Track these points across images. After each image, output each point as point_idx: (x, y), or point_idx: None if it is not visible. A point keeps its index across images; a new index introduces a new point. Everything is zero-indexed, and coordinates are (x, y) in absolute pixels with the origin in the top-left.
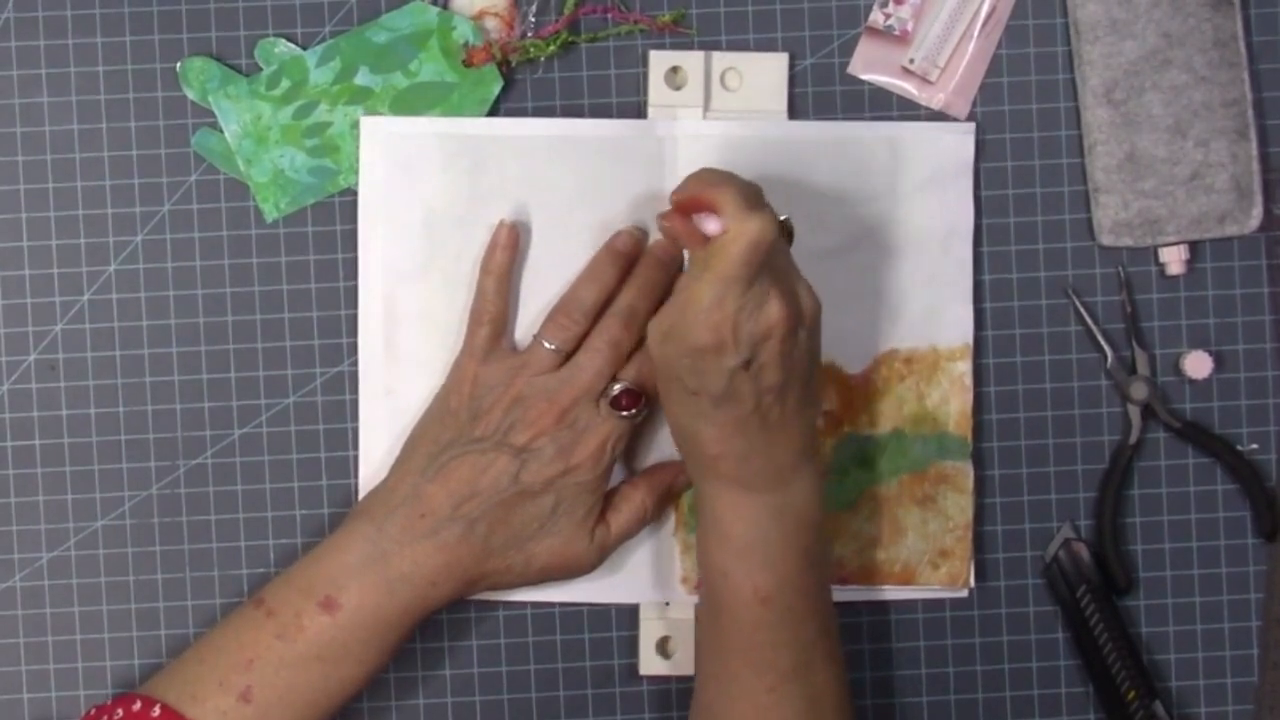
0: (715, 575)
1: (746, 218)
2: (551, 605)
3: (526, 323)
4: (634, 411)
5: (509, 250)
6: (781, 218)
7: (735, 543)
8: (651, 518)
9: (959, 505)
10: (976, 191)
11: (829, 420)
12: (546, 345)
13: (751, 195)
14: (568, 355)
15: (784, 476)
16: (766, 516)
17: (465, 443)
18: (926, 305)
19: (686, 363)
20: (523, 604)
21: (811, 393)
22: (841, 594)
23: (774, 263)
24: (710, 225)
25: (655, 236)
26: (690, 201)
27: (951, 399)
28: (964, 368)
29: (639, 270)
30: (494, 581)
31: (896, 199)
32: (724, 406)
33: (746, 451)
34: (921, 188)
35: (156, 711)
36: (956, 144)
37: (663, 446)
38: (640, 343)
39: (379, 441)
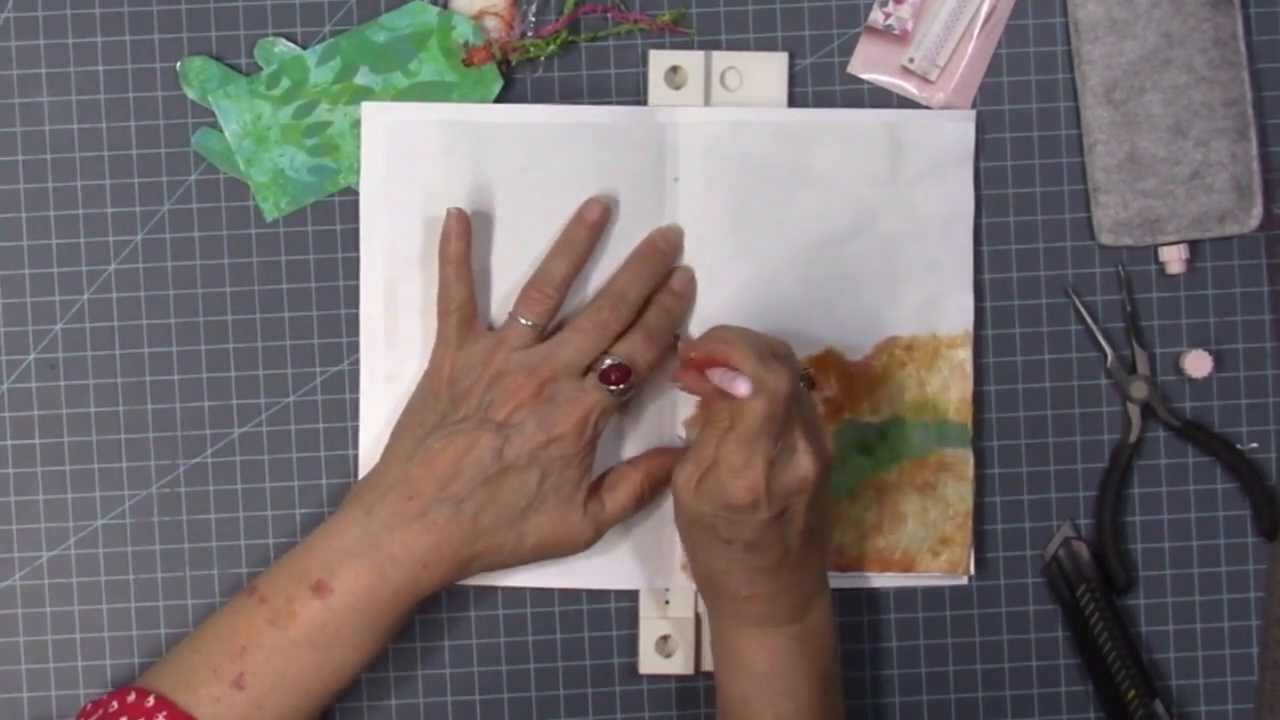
0: (735, 702)
1: (764, 374)
2: (552, 604)
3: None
4: (622, 387)
5: (463, 237)
6: (805, 368)
7: (756, 672)
8: (648, 500)
9: (959, 493)
10: (976, 180)
11: (829, 406)
12: (522, 321)
13: (766, 351)
14: (543, 329)
15: (804, 606)
16: (787, 646)
17: (449, 424)
18: (927, 292)
19: (722, 515)
20: (523, 602)
21: (829, 524)
22: (841, 580)
23: (800, 413)
24: (740, 386)
25: (629, 210)
26: (706, 359)
27: (952, 386)
28: (964, 355)
29: (635, 258)
30: (487, 562)
31: (897, 186)
32: (756, 553)
33: (774, 591)
34: (922, 175)
35: (151, 702)
36: (957, 131)
37: (660, 431)
38: (632, 322)
39: (378, 427)
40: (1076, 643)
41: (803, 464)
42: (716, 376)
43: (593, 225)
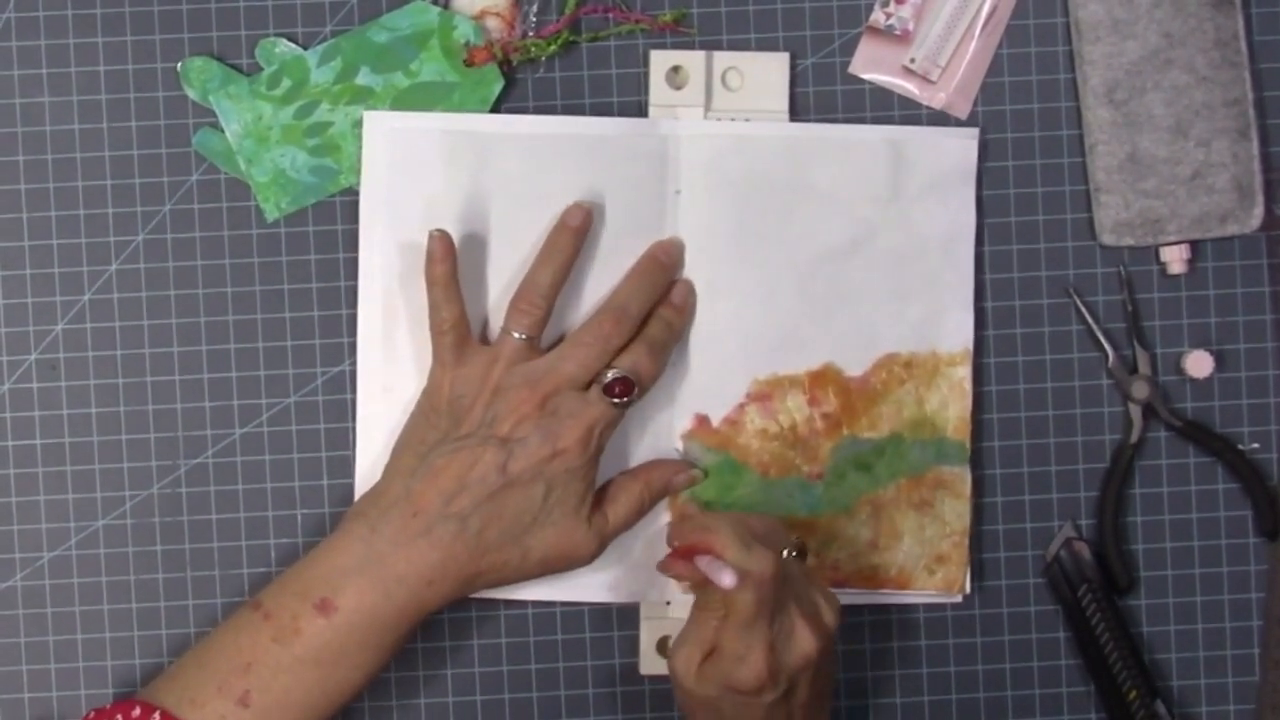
0: None
1: (747, 561)
2: (553, 604)
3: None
4: (626, 400)
5: (447, 259)
6: (794, 540)
7: None
8: (648, 510)
9: (956, 511)
10: (978, 194)
11: (828, 423)
12: (515, 335)
13: (749, 536)
14: (536, 340)
15: None
16: None
17: (451, 441)
18: (927, 310)
19: (729, 699)
20: (524, 603)
21: (833, 686)
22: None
23: (793, 589)
24: (725, 578)
25: (631, 222)
26: (690, 547)
27: (951, 404)
28: (964, 373)
29: (636, 271)
30: (492, 578)
31: (899, 203)
32: None
33: None
34: (924, 192)
35: (156, 717)
36: (959, 149)
37: (657, 442)
38: (635, 334)
39: (376, 438)
40: (1078, 643)
41: (803, 642)
42: (703, 565)
43: (576, 230)
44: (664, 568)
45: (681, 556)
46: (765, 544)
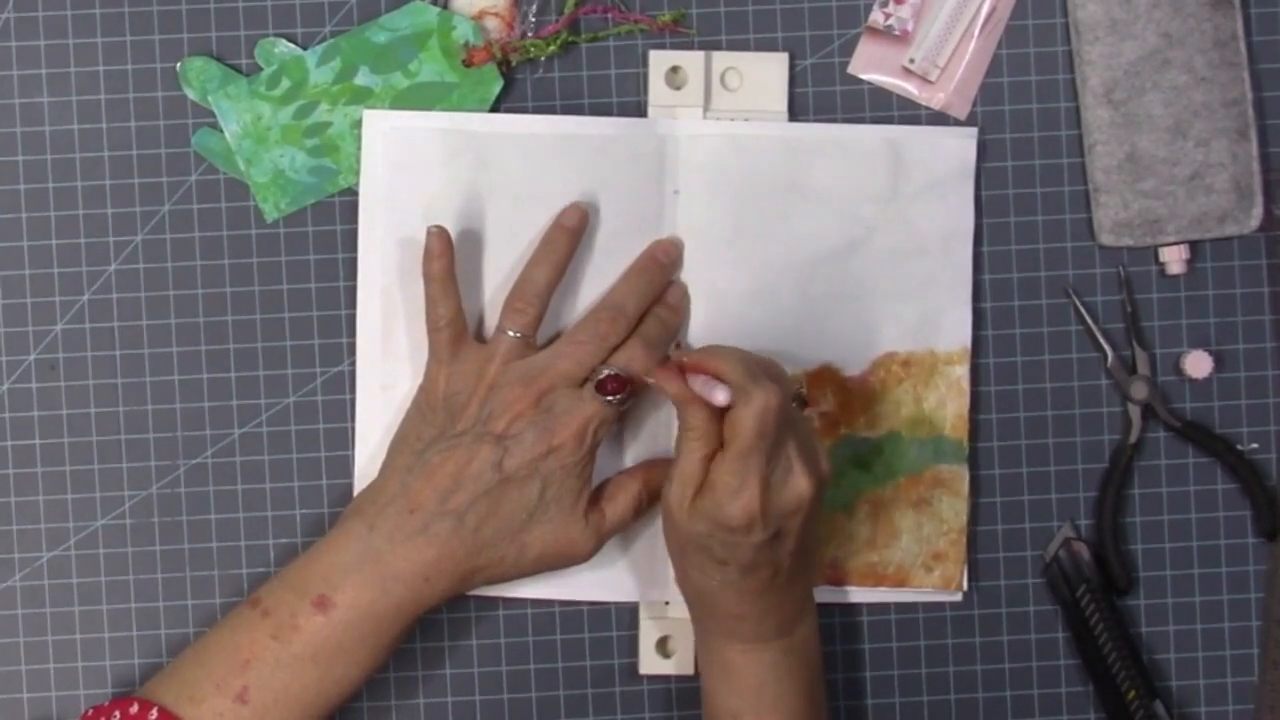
0: (724, 716)
1: (750, 387)
2: (552, 604)
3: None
4: (619, 397)
5: (445, 255)
6: (797, 388)
7: (746, 686)
8: (646, 509)
9: (954, 509)
10: (977, 194)
11: (826, 422)
12: (510, 334)
13: (756, 367)
14: (531, 339)
15: (793, 622)
16: (776, 661)
17: (447, 438)
18: (925, 309)
19: (718, 537)
20: (523, 602)
21: (818, 541)
22: (834, 595)
23: (793, 432)
24: (719, 395)
25: (629, 222)
26: (693, 366)
27: (949, 402)
28: (962, 371)
29: (634, 270)
30: (489, 575)
31: (897, 202)
32: (750, 574)
33: (764, 609)
34: (922, 191)
35: (154, 714)
36: (958, 148)
37: (655, 441)
38: (631, 332)
39: (374, 435)
40: (1077, 643)
41: (798, 484)
42: (698, 384)
43: (572, 231)
44: (659, 379)
45: (680, 374)
46: (772, 380)
